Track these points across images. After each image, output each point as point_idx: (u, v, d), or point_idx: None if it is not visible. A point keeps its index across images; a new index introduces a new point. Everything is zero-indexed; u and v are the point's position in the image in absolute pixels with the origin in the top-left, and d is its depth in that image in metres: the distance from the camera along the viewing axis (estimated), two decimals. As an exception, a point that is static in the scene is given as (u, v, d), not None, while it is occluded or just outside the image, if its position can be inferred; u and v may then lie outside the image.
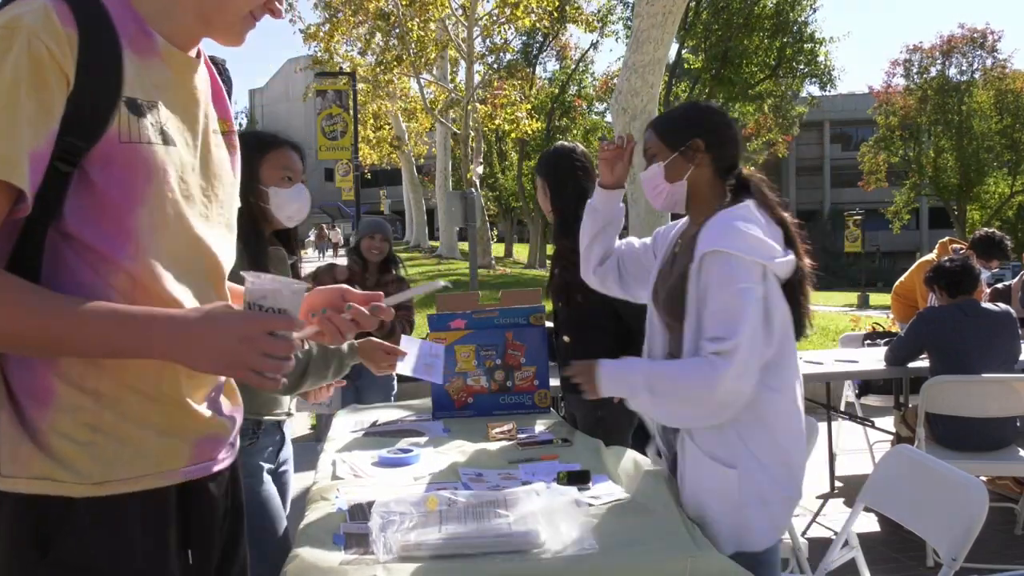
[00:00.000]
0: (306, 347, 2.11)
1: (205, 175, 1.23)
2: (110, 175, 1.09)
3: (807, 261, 1.88)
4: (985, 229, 5.94)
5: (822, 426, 3.14)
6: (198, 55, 1.26)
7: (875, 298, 21.11)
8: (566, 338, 2.97)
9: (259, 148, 2.12)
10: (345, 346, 2.22)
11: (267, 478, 2.13)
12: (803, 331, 1.87)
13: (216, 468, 1.26)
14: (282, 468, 2.23)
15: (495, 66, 23.77)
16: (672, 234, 2.09)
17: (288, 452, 2.28)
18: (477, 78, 19.69)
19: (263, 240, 2.14)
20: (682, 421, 1.88)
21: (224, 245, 1.26)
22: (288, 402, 2.22)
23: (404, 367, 2.20)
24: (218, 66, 1.38)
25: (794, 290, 1.84)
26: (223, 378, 1.30)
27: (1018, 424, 3.81)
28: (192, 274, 1.18)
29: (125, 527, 1.12)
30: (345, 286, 1.41)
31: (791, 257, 1.82)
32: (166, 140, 1.14)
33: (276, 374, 1.10)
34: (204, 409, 1.23)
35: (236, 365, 1.08)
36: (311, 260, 21.80)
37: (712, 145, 1.93)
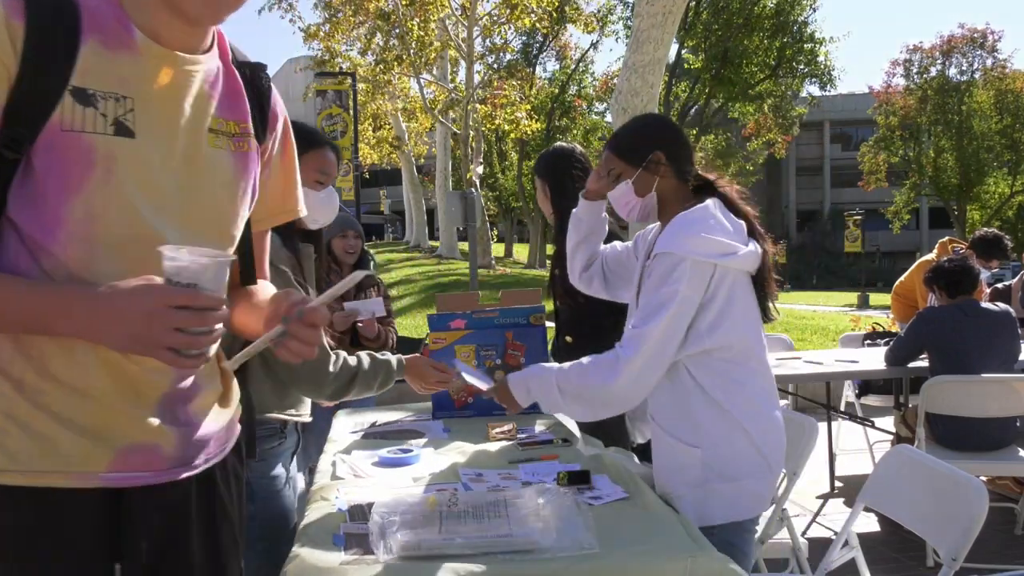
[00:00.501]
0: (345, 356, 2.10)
1: (186, 172, 1.19)
2: (49, 162, 1.08)
3: (770, 249, 1.98)
4: (985, 229, 5.94)
5: (822, 426, 3.14)
6: (211, 49, 1.23)
7: (875, 298, 21.13)
8: (568, 338, 2.97)
9: (297, 146, 2.05)
10: (393, 361, 2.21)
11: (287, 482, 2.12)
12: (769, 316, 1.99)
13: (158, 480, 1.20)
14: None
15: (495, 66, 23.76)
16: (651, 237, 2.14)
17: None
18: (477, 78, 19.67)
19: (297, 238, 2.10)
20: (593, 414, 1.98)
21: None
22: (309, 405, 2.21)
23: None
24: (256, 70, 1.33)
25: (759, 279, 1.95)
26: (187, 383, 1.23)
27: (1018, 424, 3.81)
28: (146, 272, 1.08)
29: (22, 520, 1.12)
30: (290, 290, 1.31)
31: (752, 249, 1.91)
32: (120, 131, 1.12)
33: (192, 351, 1.04)
34: (147, 416, 1.18)
35: (146, 342, 1.03)
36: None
37: (671, 155, 2.02)
